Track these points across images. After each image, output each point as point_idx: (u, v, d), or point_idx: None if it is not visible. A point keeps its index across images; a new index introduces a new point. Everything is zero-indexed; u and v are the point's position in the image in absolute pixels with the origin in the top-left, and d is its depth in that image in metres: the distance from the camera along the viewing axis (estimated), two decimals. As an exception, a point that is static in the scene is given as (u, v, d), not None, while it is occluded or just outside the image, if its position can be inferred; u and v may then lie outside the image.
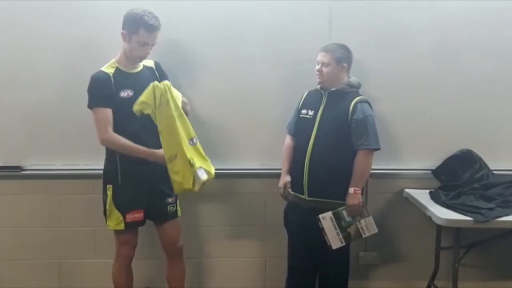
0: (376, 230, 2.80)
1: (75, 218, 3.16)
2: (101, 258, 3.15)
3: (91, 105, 2.61)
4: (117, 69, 2.64)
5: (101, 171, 2.74)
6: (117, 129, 2.60)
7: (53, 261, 3.20)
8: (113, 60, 2.67)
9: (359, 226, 2.76)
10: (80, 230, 3.17)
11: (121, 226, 2.68)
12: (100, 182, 2.74)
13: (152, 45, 2.64)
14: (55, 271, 3.21)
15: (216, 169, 3.08)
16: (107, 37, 2.93)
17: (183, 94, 3.02)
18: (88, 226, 3.14)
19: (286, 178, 2.89)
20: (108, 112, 2.58)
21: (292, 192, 2.86)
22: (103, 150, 2.72)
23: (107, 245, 2.96)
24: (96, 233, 3.14)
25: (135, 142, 2.59)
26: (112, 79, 2.59)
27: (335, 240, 2.75)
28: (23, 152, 3.09)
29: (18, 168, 3.08)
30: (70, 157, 3.08)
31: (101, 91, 2.58)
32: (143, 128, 2.62)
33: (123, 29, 2.61)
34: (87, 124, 2.85)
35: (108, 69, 2.63)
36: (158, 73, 2.80)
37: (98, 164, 2.78)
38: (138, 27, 2.56)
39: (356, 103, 2.70)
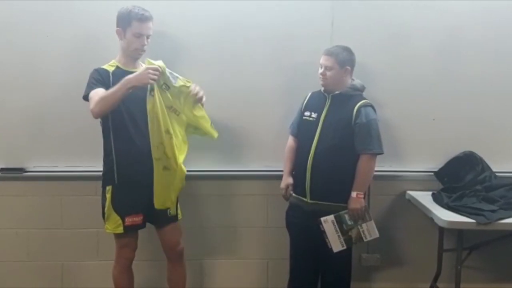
0: (377, 235, 2.79)
1: (78, 220, 3.16)
2: (104, 260, 3.15)
3: (86, 92, 2.59)
4: (117, 67, 2.67)
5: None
6: (113, 123, 2.61)
7: (56, 262, 3.20)
8: (113, 60, 2.70)
9: (361, 230, 2.76)
10: (83, 231, 3.17)
11: (120, 230, 2.67)
12: (102, 183, 2.75)
13: (148, 37, 2.66)
14: (58, 272, 3.21)
15: (218, 171, 3.11)
16: (110, 38, 2.90)
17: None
18: (90, 227, 3.14)
19: (288, 180, 2.89)
20: (101, 91, 2.55)
21: (294, 194, 2.86)
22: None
23: (110, 247, 2.96)
24: (98, 235, 3.14)
25: (124, 137, 2.60)
26: (111, 75, 2.62)
27: (336, 243, 2.75)
28: (26, 153, 3.09)
29: (21, 169, 3.08)
30: (73, 158, 3.09)
31: (97, 79, 2.60)
32: (135, 126, 2.62)
33: (117, 27, 2.65)
34: (90, 125, 2.86)
35: (108, 67, 2.66)
36: (163, 75, 2.79)
37: (100, 165, 2.77)
38: (130, 20, 2.61)
39: (360, 107, 2.70)
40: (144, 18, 2.62)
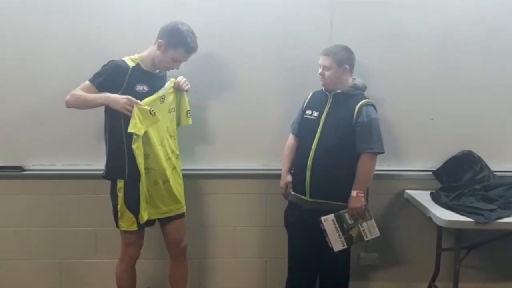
0: (378, 234, 2.79)
1: (76, 218, 3.15)
2: (102, 259, 3.15)
3: (91, 79, 2.60)
4: (138, 64, 2.65)
5: (102, 171, 2.72)
6: (126, 121, 2.56)
7: (54, 261, 3.20)
8: (137, 55, 2.67)
9: (361, 229, 2.76)
10: (81, 230, 3.17)
11: (134, 227, 2.67)
12: (101, 182, 2.74)
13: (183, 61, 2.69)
14: (56, 271, 3.21)
15: (217, 169, 3.11)
16: (111, 38, 2.94)
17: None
18: (89, 226, 3.14)
19: (287, 178, 2.90)
20: (93, 89, 2.58)
21: (293, 193, 2.86)
22: (104, 150, 2.72)
23: (108, 245, 2.97)
24: (97, 233, 3.15)
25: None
26: (130, 70, 2.60)
27: (337, 243, 2.75)
28: (24, 152, 3.08)
29: (19, 168, 3.08)
30: (71, 157, 3.08)
31: (107, 78, 2.58)
32: None
33: (161, 38, 2.61)
34: (88, 124, 2.86)
35: (130, 61, 2.63)
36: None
37: (99, 164, 2.77)
38: (178, 45, 2.59)
39: (361, 106, 2.70)
40: (191, 51, 2.63)
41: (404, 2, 3.06)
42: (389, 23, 3.08)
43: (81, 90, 2.58)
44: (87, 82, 2.59)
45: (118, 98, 2.53)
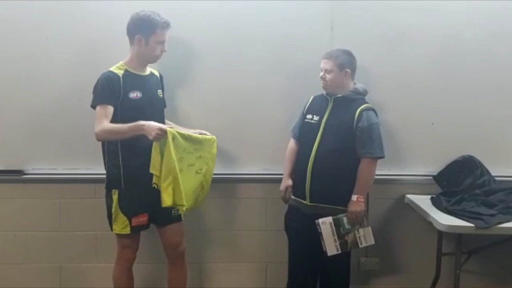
0: (373, 242, 2.80)
1: (76, 222, 3.15)
2: (102, 262, 3.15)
3: (94, 103, 2.60)
4: (126, 70, 2.66)
5: (102, 176, 2.73)
6: None
7: (54, 265, 3.19)
8: (121, 62, 2.68)
9: (357, 235, 2.76)
10: (81, 234, 3.17)
11: (127, 230, 2.67)
12: (101, 186, 2.74)
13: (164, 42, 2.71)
14: (56, 275, 3.20)
15: (217, 174, 3.10)
16: (111, 42, 2.94)
17: (186, 99, 3.04)
18: (89, 230, 3.14)
19: (287, 182, 2.89)
20: (108, 109, 2.58)
21: (293, 197, 2.86)
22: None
23: (108, 249, 2.96)
24: (97, 237, 3.14)
25: (132, 144, 2.58)
26: (121, 79, 2.62)
27: (331, 247, 2.74)
28: (25, 156, 3.08)
29: (20, 172, 3.07)
30: (72, 161, 3.08)
31: (107, 89, 2.59)
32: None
33: (136, 34, 2.62)
34: (89, 128, 2.84)
35: (117, 70, 2.65)
36: (161, 84, 2.86)
37: (99, 168, 2.78)
38: (155, 28, 2.62)
39: (362, 110, 2.70)
40: (167, 25, 2.66)
41: (405, 5, 3.06)
42: (390, 27, 3.08)
43: (106, 121, 2.55)
44: (97, 109, 2.58)
45: (149, 129, 2.49)
